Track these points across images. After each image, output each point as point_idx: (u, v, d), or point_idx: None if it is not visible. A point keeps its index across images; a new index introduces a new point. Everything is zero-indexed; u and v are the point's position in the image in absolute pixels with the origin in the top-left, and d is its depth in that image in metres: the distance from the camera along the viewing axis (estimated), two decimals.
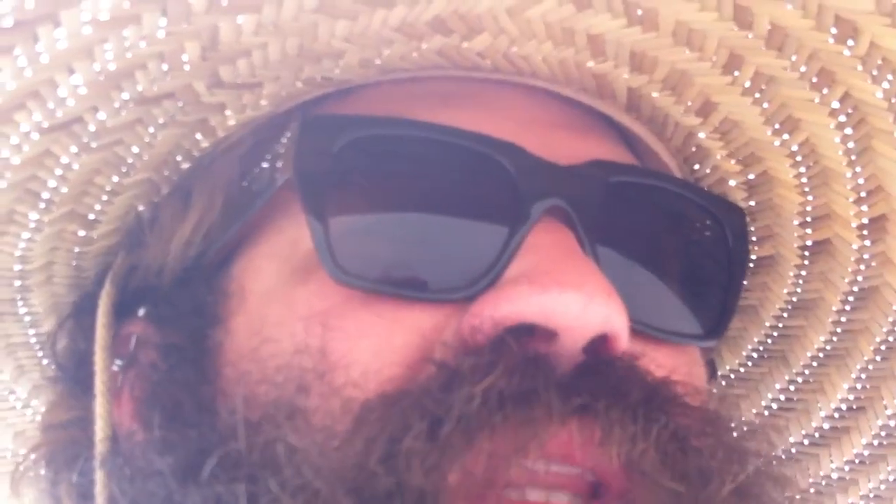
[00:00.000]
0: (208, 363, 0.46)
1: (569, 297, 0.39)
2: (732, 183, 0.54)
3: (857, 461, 0.64)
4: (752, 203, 0.55)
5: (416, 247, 0.44)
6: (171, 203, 0.51)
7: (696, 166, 0.54)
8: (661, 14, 0.44)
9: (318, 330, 0.42)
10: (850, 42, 0.44)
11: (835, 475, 0.65)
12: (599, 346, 0.41)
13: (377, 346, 0.41)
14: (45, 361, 0.58)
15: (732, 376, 0.65)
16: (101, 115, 0.45)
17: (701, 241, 0.50)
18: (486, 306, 0.41)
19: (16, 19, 0.38)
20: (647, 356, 0.43)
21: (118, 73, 0.43)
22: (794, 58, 0.45)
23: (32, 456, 0.54)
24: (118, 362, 0.52)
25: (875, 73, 0.45)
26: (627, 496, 0.41)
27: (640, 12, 0.44)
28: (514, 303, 0.40)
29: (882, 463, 0.63)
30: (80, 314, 0.54)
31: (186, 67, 0.44)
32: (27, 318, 0.57)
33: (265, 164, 0.48)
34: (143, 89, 0.44)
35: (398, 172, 0.45)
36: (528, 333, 0.40)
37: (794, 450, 0.65)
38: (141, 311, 0.52)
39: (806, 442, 0.65)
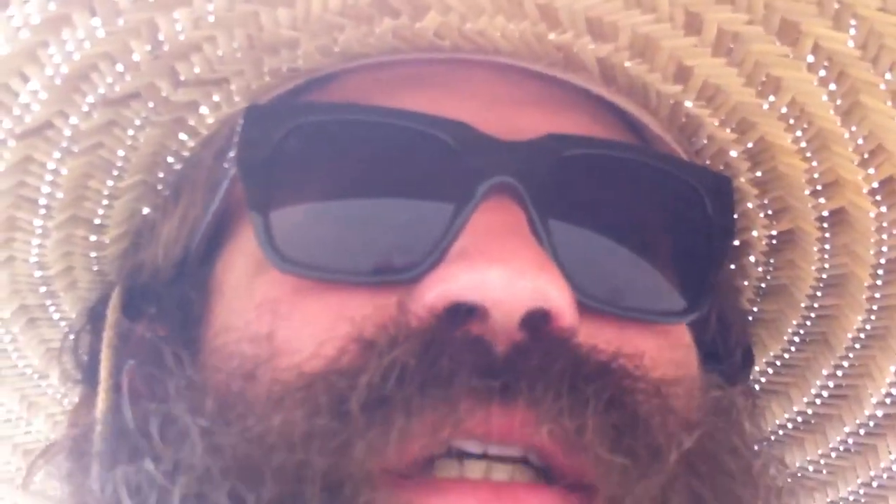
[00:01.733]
0: (191, 359, 0.47)
1: (494, 272, 0.38)
2: (734, 154, 0.51)
3: None
4: (759, 174, 0.52)
5: (362, 232, 0.44)
6: (165, 203, 0.53)
7: (694, 138, 0.52)
8: None
9: (268, 318, 0.42)
10: None
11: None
12: (542, 323, 0.39)
13: (320, 333, 0.41)
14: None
15: (778, 363, 0.61)
16: (73, 120, 0.47)
17: (677, 212, 0.47)
18: (424, 288, 0.40)
19: None
20: (604, 337, 0.41)
21: (73, 75, 0.44)
22: (755, 13, 0.43)
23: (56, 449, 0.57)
24: (130, 362, 0.53)
25: (837, 20, 0.42)
26: (577, 476, 0.39)
27: None
28: (445, 283, 0.39)
29: None
30: (95, 317, 0.56)
31: (142, 67, 0.45)
32: (62, 323, 0.60)
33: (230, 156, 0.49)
34: (104, 91, 0.46)
35: (340, 158, 0.44)
36: (467, 314, 0.39)
37: (850, 440, 0.61)
38: (151, 310, 0.54)
39: (862, 432, 0.60)
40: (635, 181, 0.46)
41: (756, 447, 0.45)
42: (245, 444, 0.38)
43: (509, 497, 0.38)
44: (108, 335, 0.53)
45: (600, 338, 0.41)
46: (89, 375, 0.56)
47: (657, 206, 0.47)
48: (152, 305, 0.52)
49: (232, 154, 0.46)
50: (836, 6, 0.41)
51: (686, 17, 0.44)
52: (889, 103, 0.45)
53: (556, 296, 0.39)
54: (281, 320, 0.42)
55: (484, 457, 0.39)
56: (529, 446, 0.39)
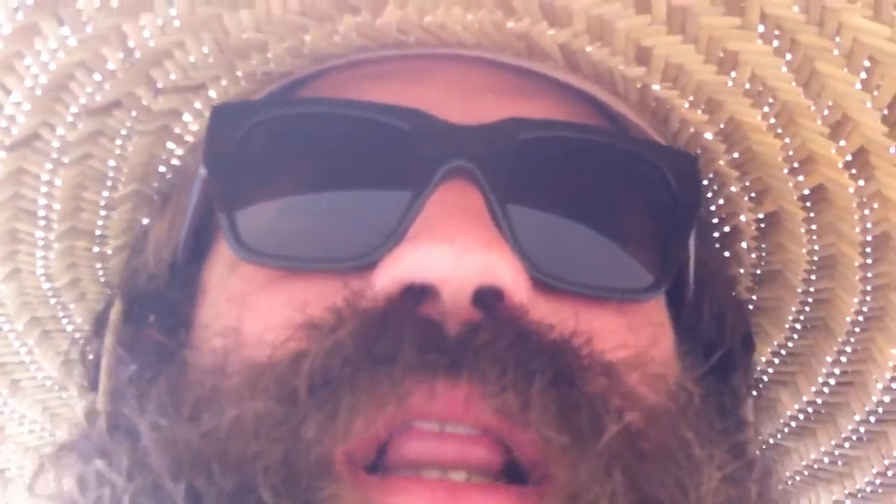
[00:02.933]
0: (181, 360, 0.48)
1: (439, 250, 0.39)
2: (708, 136, 0.51)
3: None
4: (736, 155, 0.52)
5: (323, 221, 0.45)
6: (158, 212, 0.55)
7: (668, 124, 0.52)
8: None
9: (236, 311, 0.44)
10: None
11: None
12: (494, 301, 0.40)
13: (285, 322, 0.42)
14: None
15: (783, 352, 0.60)
16: (60, 131, 0.50)
17: (638, 191, 0.47)
18: (379, 271, 0.41)
19: None
20: (562, 315, 0.42)
21: (52, 85, 0.47)
22: None
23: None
24: (132, 368, 0.55)
25: None
26: (531, 466, 0.40)
27: None
28: (395, 264, 0.40)
29: None
30: (99, 326, 0.58)
31: (119, 74, 0.48)
32: (77, 335, 0.62)
33: None
34: (85, 101, 0.48)
35: (299, 151, 0.46)
36: (421, 295, 0.40)
37: (861, 429, 0.60)
38: (151, 319, 0.55)
39: (872, 420, 0.59)
40: (595, 162, 0.46)
41: (720, 439, 0.44)
42: (199, 439, 0.39)
43: (464, 497, 0.38)
44: (108, 342, 0.54)
45: (556, 316, 0.41)
46: (95, 383, 0.58)
47: (618, 185, 0.47)
48: (151, 312, 0.54)
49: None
50: None
51: None
52: (846, 69, 0.45)
53: (504, 272, 0.40)
54: (247, 312, 0.43)
55: (441, 435, 0.40)
56: (479, 424, 0.39)
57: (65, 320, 0.61)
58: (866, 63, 0.45)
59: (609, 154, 0.46)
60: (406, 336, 0.39)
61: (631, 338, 0.44)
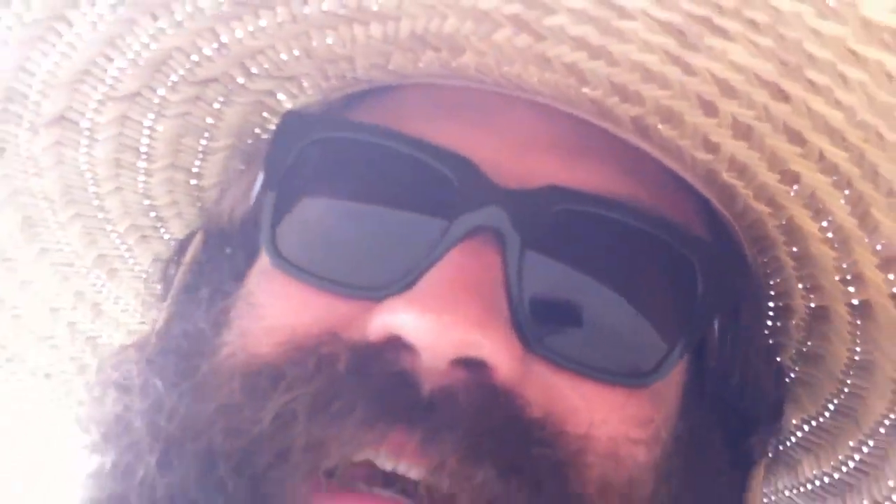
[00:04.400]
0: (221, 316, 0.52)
1: (425, 320, 0.42)
2: (771, 226, 0.51)
3: None
4: (795, 250, 0.51)
5: (347, 244, 0.47)
6: (245, 168, 0.59)
7: (733, 205, 0.52)
8: (615, 54, 0.43)
9: (255, 280, 0.49)
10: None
11: None
12: (478, 371, 0.43)
13: (281, 318, 0.46)
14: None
15: (814, 423, 0.61)
16: (161, 91, 0.54)
17: (661, 278, 0.47)
18: (377, 313, 0.44)
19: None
20: (550, 388, 0.44)
21: (152, 61, 0.51)
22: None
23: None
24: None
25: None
26: None
27: (593, 43, 0.43)
28: (389, 315, 0.43)
29: None
30: (181, 249, 0.64)
31: (213, 60, 0.51)
32: (172, 243, 0.68)
33: None
34: (183, 73, 0.52)
35: (344, 173, 0.48)
36: (403, 346, 0.43)
37: None
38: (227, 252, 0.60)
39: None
40: (623, 242, 0.47)
41: None
42: (175, 425, 0.44)
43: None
44: (183, 268, 0.60)
45: (547, 391, 0.44)
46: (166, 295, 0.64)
47: (641, 269, 0.47)
48: (228, 248, 0.59)
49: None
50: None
51: (701, 103, 0.44)
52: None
53: (489, 349, 0.42)
54: (263, 284, 0.48)
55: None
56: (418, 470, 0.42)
57: (162, 230, 0.67)
58: None
59: (639, 237, 0.47)
60: (372, 387, 0.42)
61: (619, 422, 0.46)
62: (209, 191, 0.63)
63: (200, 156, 0.60)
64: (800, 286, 0.53)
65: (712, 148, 0.48)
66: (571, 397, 0.45)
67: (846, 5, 0.36)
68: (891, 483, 0.57)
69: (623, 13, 0.41)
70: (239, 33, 0.48)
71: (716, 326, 0.51)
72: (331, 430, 0.41)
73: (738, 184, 0.49)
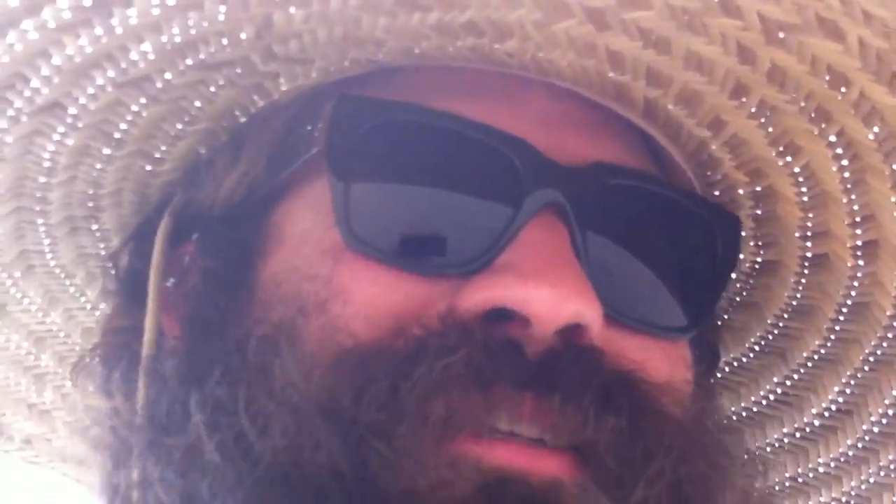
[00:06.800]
0: (243, 291, 0.52)
1: (543, 293, 0.45)
2: (741, 192, 0.58)
3: (841, 459, 0.68)
4: (759, 212, 0.59)
5: (423, 224, 0.49)
6: (226, 150, 0.57)
7: (709, 172, 0.58)
8: (673, 42, 0.48)
9: (330, 262, 0.48)
10: (843, 89, 0.47)
11: (821, 469, 0.70)
12: (572, 333, 0.46)
13: (372, 300, 0.47)
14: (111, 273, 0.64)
15: (735, 364, 0.69)
16: (168, 76, 0.51)
17: (692, 244, 0.54)
18: (474, 288, 0.46)
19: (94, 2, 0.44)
20: (620, 344, 0.49)
21: (183, 44, 0.49)
22: (794, 95, 0.49)
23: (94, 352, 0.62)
24: (171, 280, 0.59)
25: (866, 118, 0.48)
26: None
27: (654, 37, 0.48)
28: (496, 289, 0.46)
29: (864, 465, 0.67)
30: (140, 238, 0.61)
31: (244, 44, 0.50)
32: (98, 234, 0.64)
33: (308, 128, 0.53)
34: (205, 57, 0.50)
35: (414, 155, 0.50)
36: (507, 317, 0.45)
37: (786, 439, 0.70)
38: (194, 237, 0.58)
39: (797, 435, 0.69)
40: (660, 211, 0.53)
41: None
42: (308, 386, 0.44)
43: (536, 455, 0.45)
44: (156, 258, 0.57)
45: (618, 346, 0.49)
46: (129, 289, 0.61)
47: (675, 235, 0.54)
48: (201, 234, 0.57)
49: (315, 133, 0.51)
50: (869, 109, 0.48)
51: (735, 86, 0.50)
52: (889, 185, 0.52)
53: (590, 315, 0.46)
54: (339, 266, 0.48)
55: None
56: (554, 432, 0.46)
57: (93, 221, 0.63)
58: None
59: (672, 206, 0.53)
60: (501, 362, 0.44)
61: (672, 368, 0.52)
62: (162, 177, 0.61)
63: (171, 140, 0.57)
64: (751, 243, 0.61)
65: (717, 126, 0.54)
66: (636, 351, 0.50)
67: None
68: (813, 410, 0.66)
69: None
70: (294, 17, 0.48)
71: None
72: (471, 400, 0.43)
73: (726, 156, 0.56)
